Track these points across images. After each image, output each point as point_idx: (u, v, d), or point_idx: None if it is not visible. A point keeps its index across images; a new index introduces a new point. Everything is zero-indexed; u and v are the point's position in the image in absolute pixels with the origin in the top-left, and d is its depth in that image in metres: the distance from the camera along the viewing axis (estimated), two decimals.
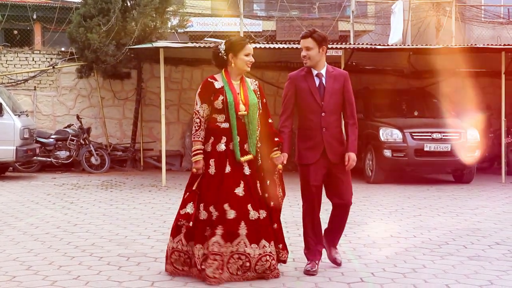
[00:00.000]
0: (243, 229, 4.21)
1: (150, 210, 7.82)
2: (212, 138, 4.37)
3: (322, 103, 4.55)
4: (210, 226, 4.25)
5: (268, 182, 4.41)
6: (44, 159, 12.60)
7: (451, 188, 10.35)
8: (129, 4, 12.69)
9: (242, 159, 4.31)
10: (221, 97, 4.33)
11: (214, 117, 4.38)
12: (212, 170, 4.33)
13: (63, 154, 12.66)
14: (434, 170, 11.28)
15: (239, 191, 4.26)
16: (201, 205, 4.30)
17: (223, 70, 4.46)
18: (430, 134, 10.79)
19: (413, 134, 10.74)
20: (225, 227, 4.20)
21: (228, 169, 4.30)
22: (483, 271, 4.71)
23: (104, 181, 11.16)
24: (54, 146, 12.69)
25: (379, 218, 7.14)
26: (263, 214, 4.31)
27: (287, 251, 4.53)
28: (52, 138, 12.76)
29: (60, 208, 7.96)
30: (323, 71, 4.64)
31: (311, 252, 4.66)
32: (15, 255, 5.22)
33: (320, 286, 4.31)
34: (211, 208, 4.27)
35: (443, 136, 10.78)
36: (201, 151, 4.36)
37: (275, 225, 4.43)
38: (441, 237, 6.06)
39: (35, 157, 12.20)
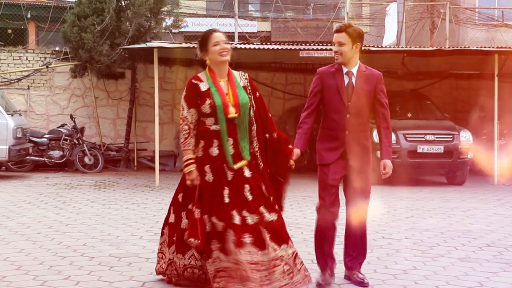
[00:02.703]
0: (266, 234, 3.88)
1: (143, 210, 7.82)
2: (202, 142, 4.01)
3: (348, 104, 4.22)
4: (217, 238, 3.88)
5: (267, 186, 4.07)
6: (37, 158, 12.56)
7: (444, 189, 10.38)
8: (123, 4, 12.69)
9: (236, 166, 3.95)
10: (208, 101, 3.97)
11: (202, 120, 4.03)
12: (209, 177, 3.97)
13: (56, 153, 12.63)
14: (427, 171, 11.30)
15: (247, 195, 3.93)
16: (205, 216, 3.95)
17: (207, 69, 4.11)
18: (423, 135, 10.82)
19: (406, 135, 10.78)
20: (251, 235, 3.84)
21: (230, 175, 3.95)
22: (473, 273, 4.73)
23: (97, 181, 11.14)
24: (47, 146, 12.65)
25: (371, 219, 7.12)
26: (274, 216, 3.97)
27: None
28: (45, 137, 12.73)
29: (52, 208, 7.94)
30: (355, 70, 4.29)
31: (323, 257, 4.34)
32: (5, 254, 5.21)
33: (310, 287, 4.31)
34: (214, 219, 3.92)
35: (436, 137, 10.82)
36: (194, 161, 3.99)
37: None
38: (432, 238, 6.09)
39: (28, 157, 12.18)
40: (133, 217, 7.22)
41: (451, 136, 10.91)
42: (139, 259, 5.08)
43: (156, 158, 10.89)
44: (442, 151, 10.73)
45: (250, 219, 3.88)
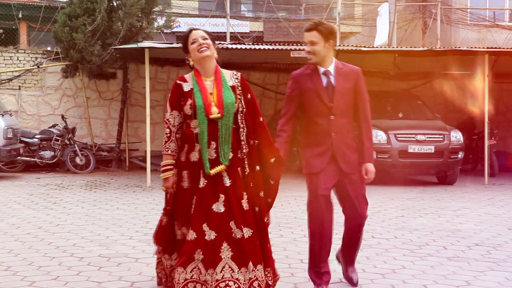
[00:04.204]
0: (226, 252, 3.58)
1: (134, 210, 7.81)
2: (186, 146, 3.77)
3: (331, 105, 4.02)
4: (187, 249, 3.62)
5: (261, 193, 3.79)
6: (28, 159, 12.52)
7: (435, 189, 10.43)
8: (115, 4, 12.66)
9: (212, 171, 3.65)
10: (189, 101, 3.73)
11: (188, 123, 3.78)
12: (185, 183, 3.74)
13: (47, 154, 12.59)
14: (418, 171, 11.35)
15: (218, 207, 3.62)
16: (176, 223, 3.77)
17: (193, 69, 3.92)
18: (414, 135, 10.86)
19: (397, 135, 10.82)
20: (204, 251, 3.57)
21: (202, 182, 3.67)
22: (461, 272, 4.76)
23: (88, 181, 11.11)
24: (38, 146, 12.61)
25: None
26: (248, 232, 3.63)
27: (276, 275, 3.87)
28: (36, 138, 12.68)
29: (42, 208, 7.92)
30: (331, 68, 4.08)
31: (318, 275, 4.12)
32: None
33: (299, 287, 4.32)
34: (184, 229, 3.73)
35: (427, 137, 10.86)
36: (171, 167, 3.77)
37: (267, 245, 3.82)
38: (422, 238, 6.11)
39: (19, 157, 12.13)
40: (123, 218, 7.21)
41: (442, 136, 10.96)
42: (128, 259, 5.07)
43: (148, 158, 10.88)
44: (433, 151, 10.77)
45: (210, 234, 3.59)
